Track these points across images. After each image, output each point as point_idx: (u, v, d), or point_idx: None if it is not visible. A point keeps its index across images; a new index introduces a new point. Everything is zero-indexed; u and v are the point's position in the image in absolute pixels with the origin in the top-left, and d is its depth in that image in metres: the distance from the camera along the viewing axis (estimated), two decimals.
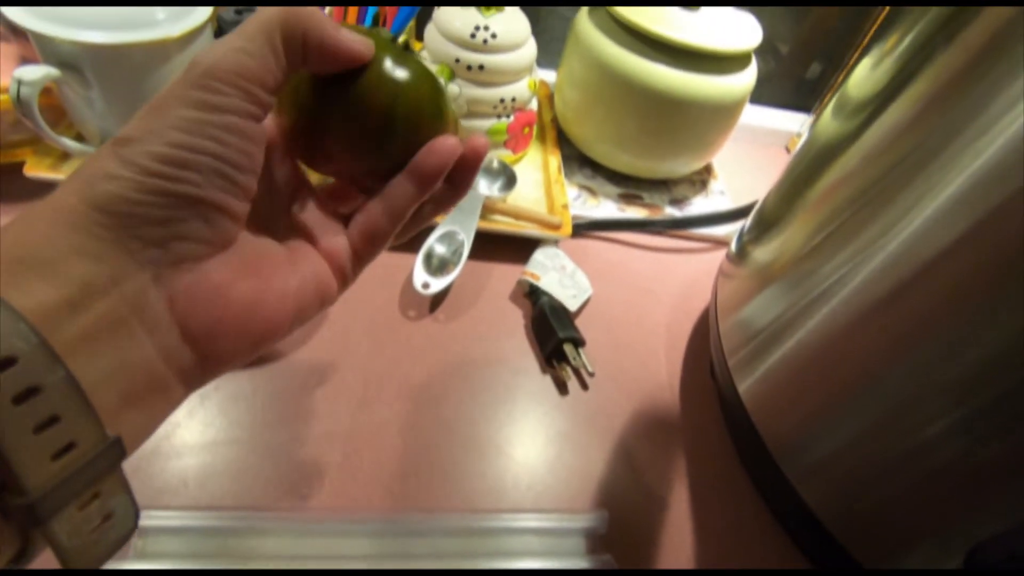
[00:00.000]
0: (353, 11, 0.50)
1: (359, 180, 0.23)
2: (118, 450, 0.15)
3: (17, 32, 0.52)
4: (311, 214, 0.22)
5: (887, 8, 0.51)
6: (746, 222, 0.43)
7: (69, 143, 0.37)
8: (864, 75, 0.32)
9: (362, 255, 0.22)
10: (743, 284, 0.39)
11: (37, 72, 0.33)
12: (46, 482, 0.14)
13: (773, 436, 0.34)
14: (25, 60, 0.51)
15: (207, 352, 0.17)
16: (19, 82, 0.32)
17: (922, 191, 0.26)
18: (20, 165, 0.42)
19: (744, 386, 0.36)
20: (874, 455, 0.30)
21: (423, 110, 0.21)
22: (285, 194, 0.22)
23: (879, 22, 0.53)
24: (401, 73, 0.21)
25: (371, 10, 0.50)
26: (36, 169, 0.40)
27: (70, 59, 0.35)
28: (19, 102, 0.33)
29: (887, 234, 0.28)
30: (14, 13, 0.34)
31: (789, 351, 0.33)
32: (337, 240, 0.21)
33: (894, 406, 0.28)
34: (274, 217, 0.21)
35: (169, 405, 0.17)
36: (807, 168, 0.35)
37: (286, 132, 0.21)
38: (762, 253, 0.37)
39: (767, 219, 0.39)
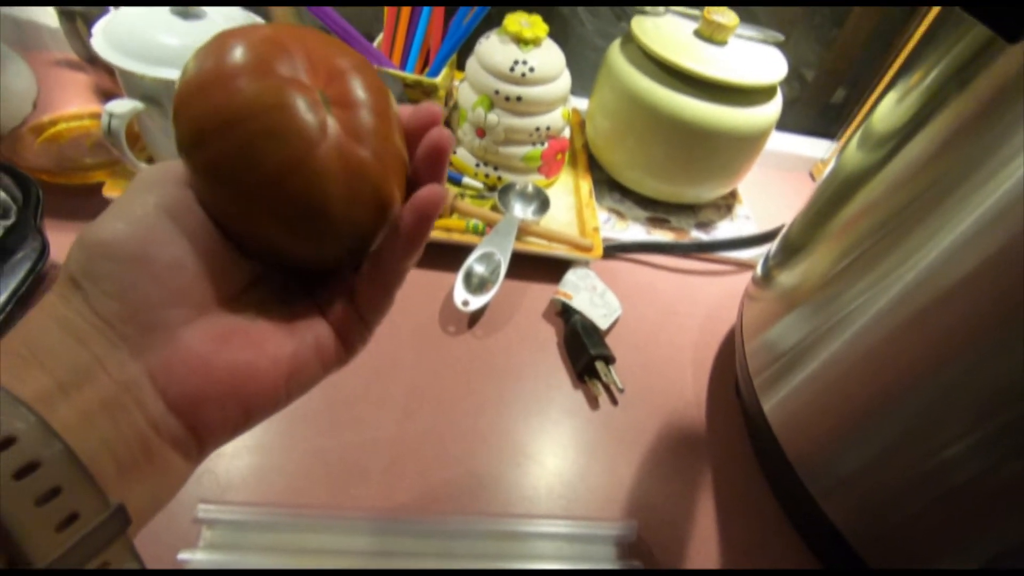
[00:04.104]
0: (406, 12, 0.51)
1: (305, 270, 0.20)
2: (122, 518, 0.15)
3: (94, 63, 0.57)
4: (316, 278, 0.21)
5: (914, 37, 0.53)
6: (772, 247, 0.45)
7: (145, 167, 0.41)
8: (888, 110, 0.34)
9: (369, 321, 0.21)
10: (769, 307, 0.40)
11: (126, 106, 0.37)
12: (51, 552, 0.14)
13: (797, 453, 0.36)
14: (101, 89, 0.55)
15: (195, 422, 0.17)
16: (111, 115, 0.36)
17: (942, 221, 0.28)
18: (97, 186, 0.46)
19: (769, 405, 0.38)
20: (897, 473, 0.31)
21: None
22: None
23: (906, 52, 0.54)
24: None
25: (425, 11, 0.51)
26: (114, 190, 0.44)
27: (152, 93, 0.38)
28: (109, 132, 0.37)
29: (909, 261, 0.29)
30: (106, 52, 0.38)
31: (814, 372, 0.35)
32: (340, 307, 0.20)
33: (917, 426, 0.30)
34: (283, 282, 0.21)
35: (171, 477, 0.18)
36: (832, 196, 0.37)
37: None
38: (788, 277, 0.39)
39: (793, 244, 0.40)
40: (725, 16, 0.50)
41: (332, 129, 0.16)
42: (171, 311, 0.17)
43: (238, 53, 0.16)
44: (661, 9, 0.53)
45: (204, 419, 0.18)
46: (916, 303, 0.29)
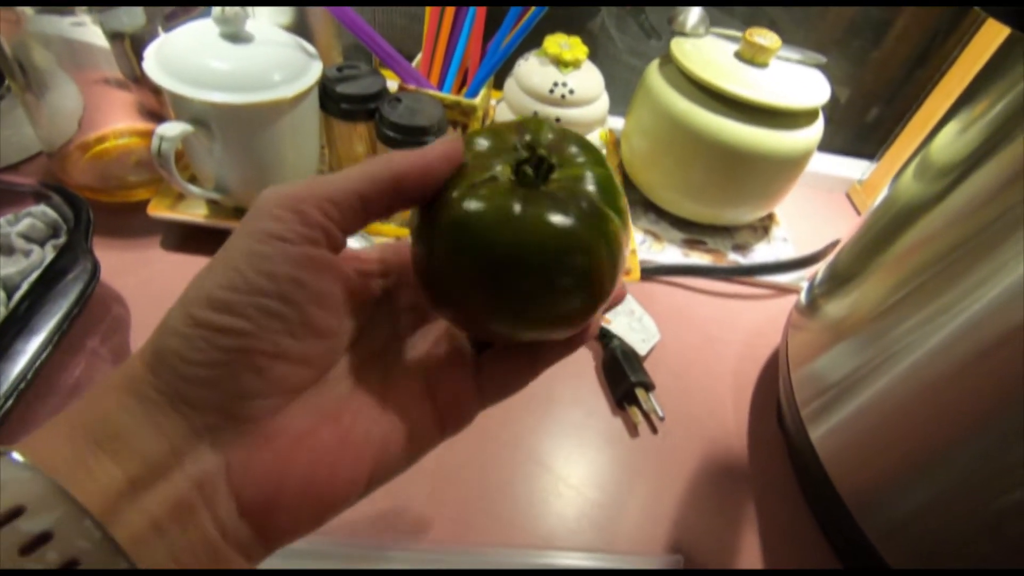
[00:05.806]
0: (450, 12, 0.50)
1: (488, 338, 0.20)
2: None
3: (139, 82, 0.58)
4: (433, 348, 0.20)
5: (960, 57, 0.51)
6: (816, 275, 0.44)
7: (193, 188, 0.42)
8: (949, 140, 0.33)
9: (490, 399, 0.20)
10: (816, 337, 0.39)
11: (176, 129, 0.37)
12: None
13: (849, 489, 0.34)
14: (145, 107, 0.56)
15: (265, 528, 0.16)
16: (161, 138, 0.37)
17: (1007, 257, 0.27)
18: (141, 204, 0.46)
19: (817, 436, 0.37)
20: (958, 515, 0.30)
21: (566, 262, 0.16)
22: (404, 323, 0.20)
23: (952, 72, 0.53)
24: (538, 206, 0.16)
25: (464, 32, 0.51)
26: (157, 209, 0.45)
27: (200, 116, 0.39)
28: (159, 154, 0.37)
29: (971, 296, 0.28)
30: (156, 75, 0.38)
31: (866, 406, 0.34)
32: (458, 384, 0.19)
33: (978, 470, 0.29)
34: (383, 347, 0.19)
35: None
36: (887, 226, 0.36)
37: (413, 260, 0.18)
38: (836, 308, 0.38)
39: (842, 274, 0.39)
40: (767, 38, 0.49)
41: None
42: (264, 401, 0.16)
43: None
44: (701, 30, 0.52)
45: (274, 526, 0.17)
46: (978, 340, 0.28)
